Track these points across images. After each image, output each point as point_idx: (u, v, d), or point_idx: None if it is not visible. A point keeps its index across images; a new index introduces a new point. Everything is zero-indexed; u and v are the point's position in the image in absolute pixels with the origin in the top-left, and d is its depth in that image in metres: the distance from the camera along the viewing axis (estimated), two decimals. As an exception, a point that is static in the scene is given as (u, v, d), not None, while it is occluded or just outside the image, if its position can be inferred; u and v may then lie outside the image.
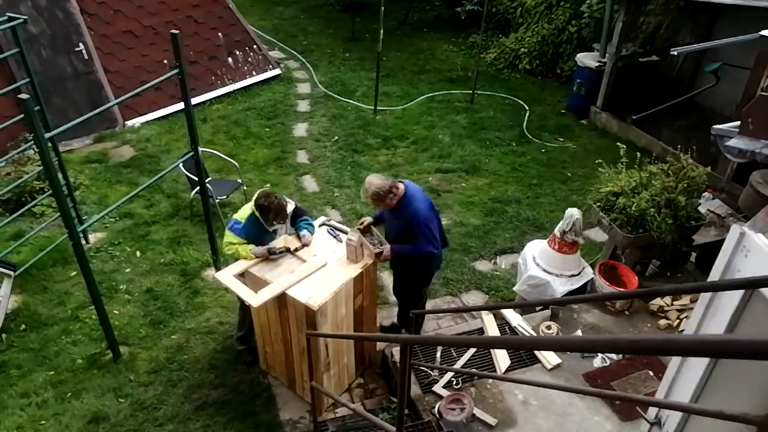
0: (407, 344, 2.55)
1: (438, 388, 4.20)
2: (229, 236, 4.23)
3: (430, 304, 5.52)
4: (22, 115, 3.89)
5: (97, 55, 8.00)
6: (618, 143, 5.90)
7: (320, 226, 4.64)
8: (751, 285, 2.03)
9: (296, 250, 4.26)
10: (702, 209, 5.17)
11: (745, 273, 2.24)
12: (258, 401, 4.55)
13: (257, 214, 4.22)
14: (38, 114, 4.13)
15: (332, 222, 4.69)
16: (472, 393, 4.13)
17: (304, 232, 4.36)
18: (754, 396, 2.31)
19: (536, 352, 4.37)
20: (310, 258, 4.23)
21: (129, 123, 8.32)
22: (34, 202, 5.71)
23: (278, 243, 4.30)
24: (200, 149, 5.15)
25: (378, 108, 8.87)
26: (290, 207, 4.45)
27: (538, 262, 4.91)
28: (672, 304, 4.73)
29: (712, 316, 2.41)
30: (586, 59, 8.80)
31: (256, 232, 4.28)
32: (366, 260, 4.24)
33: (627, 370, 4.26)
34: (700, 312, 2.48)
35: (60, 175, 5.01)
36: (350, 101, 9.25)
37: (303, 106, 9.20)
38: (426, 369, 4.35)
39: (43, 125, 4.27)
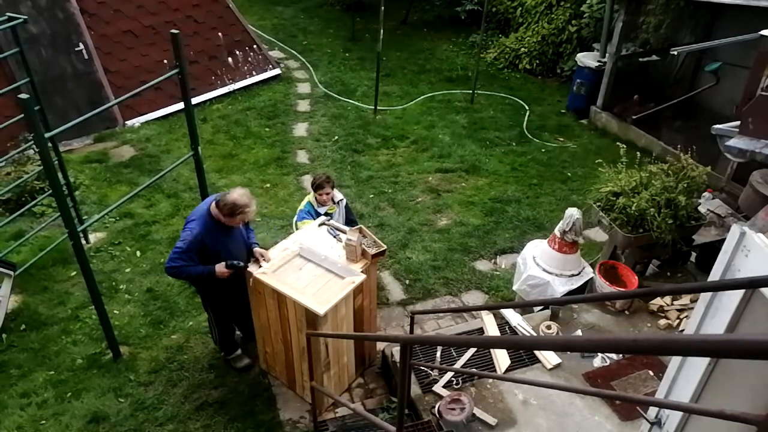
0: (407, 344, 2.55)
1: (438, 388, 4.19)
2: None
3: (429, 304, 5.52)
4: (22, 115, 3.89)
5: (97, 55, 8.00)
6: (618, 143, 5.90)
7: (320, 225, 4.64)
8: (751, 285, 2.03)
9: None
10: (702, 209, 5.17)
11: (745, 273, 2.24)
12: (258, 401, 4.55)
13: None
14: (38, 114, 4.13)
15: (332, 222, 4.68)
16: (472, 393, 4.12)
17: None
18: (754, 396, 2.31)
19: (536, 352, 4.37)
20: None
21: (129, 123, 8.33)
22: (34, 202, 5.71)
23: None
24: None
25: (378, 108, 8.87)
26: (337, 196, 5.08)
27: (538, 262, 4.91)
28: (672, 304, 4.72)
29: (712, 316, 2.41)
30: (586, 59, 8.80)
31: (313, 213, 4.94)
32: (365, 260, 4.24)
33: (627, 370, 4.26)
34: (700, 312, 2.48)
35: (60, 175, 5.00)
36: (350, 101, 9.25)
37: (303, 105, 9.20)
38: (426, 369, 4.35)
39: (43, 125, 4.27)
